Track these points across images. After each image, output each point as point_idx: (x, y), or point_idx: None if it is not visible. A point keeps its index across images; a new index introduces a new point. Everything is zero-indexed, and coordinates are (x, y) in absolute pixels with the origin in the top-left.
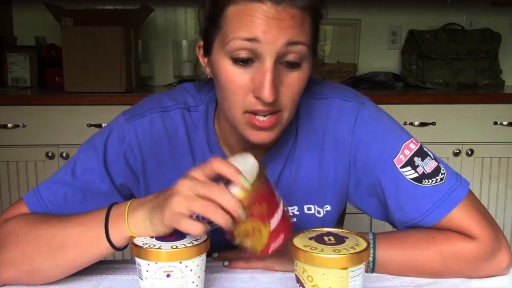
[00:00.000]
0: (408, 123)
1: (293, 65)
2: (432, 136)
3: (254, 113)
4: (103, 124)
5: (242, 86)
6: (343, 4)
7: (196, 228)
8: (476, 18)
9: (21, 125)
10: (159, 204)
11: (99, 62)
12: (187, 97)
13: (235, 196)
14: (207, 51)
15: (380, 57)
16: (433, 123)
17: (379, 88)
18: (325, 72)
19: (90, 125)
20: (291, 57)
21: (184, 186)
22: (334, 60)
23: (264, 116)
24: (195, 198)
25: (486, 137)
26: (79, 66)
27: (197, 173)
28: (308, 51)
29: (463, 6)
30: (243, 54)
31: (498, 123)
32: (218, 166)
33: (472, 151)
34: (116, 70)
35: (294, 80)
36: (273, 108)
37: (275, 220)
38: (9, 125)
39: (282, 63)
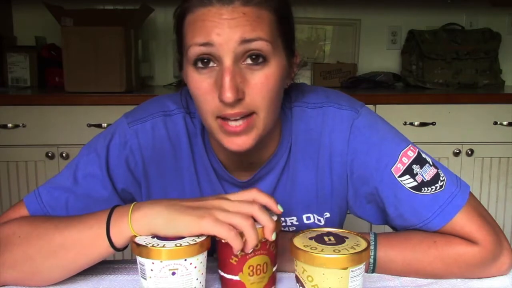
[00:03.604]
0: (408, 123)
1: (256, 63)
2: (432, 136)
3: (226, 118)
4: (103, 124)
5: (208, 91)
6: (343, 4)
7: (239, 244)
8: (476, 18)
9: (21, 125)
10: (187, 208)
11: (99, 62)
12: (190, 101)
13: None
14: (181, 66)
15: (380, 57)
16: (433, 123)
17: (379, 88)
18: (325, 72)
19: (90, 125)
20: (251, 55)
21: (225, 203)
22: (334, 60)
23: (236, 120)
24: (238, 216)
25: (486, 137)
26: (79, 66)
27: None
28: (271, 48)
29: (463, 6)
30: (203, 61)
31: (498, 123)
32: (259, 196)
33: (472, 151)
34: (116, 70)
35: (260, 79)
36: (242, 110)
37: (274, 268)
38: (9, 125)
39: (244, 63)
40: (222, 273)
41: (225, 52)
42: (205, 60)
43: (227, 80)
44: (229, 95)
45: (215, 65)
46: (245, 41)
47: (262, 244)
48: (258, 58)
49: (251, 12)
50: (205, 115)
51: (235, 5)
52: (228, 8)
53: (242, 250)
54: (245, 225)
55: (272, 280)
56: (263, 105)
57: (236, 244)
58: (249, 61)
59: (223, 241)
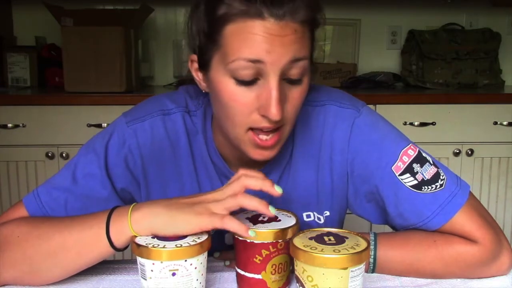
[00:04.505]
0: (408, 123)
1: (296, 81)
2: (432, 136)
3: (258, 129)
4: (103, 124)
5: (247, 105)
6: (343, 4)
7: (240, 226)
8: (476, 18)
9: (21, 125)
10: (184, 206)
11: (99, 62)
12: (188, 100)
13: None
14: (204, 67)
15: (380, 57)
16: (433, 123)
17: (379, 88)
18: (325, 72)
19: (90, 125)
20: (294, 73)
21: (217, 194)
22: (334, 60)
23: (267, 134)
24: (228, 198)
25: (486, 137)
26: (79, 66)
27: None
28: (309, 65)
29: (463, 6)
30: (248, 76)
31: (498, 123)
32: (248, 181)
33: (472, 151)
34: (116, 70)
35: (297, 95)
36: (278, 124)
37: (291, 267)
38: (9, 125)
39: (285, 79)
40: (242, 272)
41: (274, 70)
42: (250, 80)
43: (274, 98)
44: (275, 113)
45: (258, 79)
46: (294, 60)
47: (286, 243)
48: (299, 76)
49: (299, 29)
50: (236, 126)
51: (287, 20)
52: (280, 23)
53: (266, 249)
54: (238, 201)
55: (289, 279)
56: (292, 119)
57: (238, 229)
58: (290, 77)
59: (248, 240)
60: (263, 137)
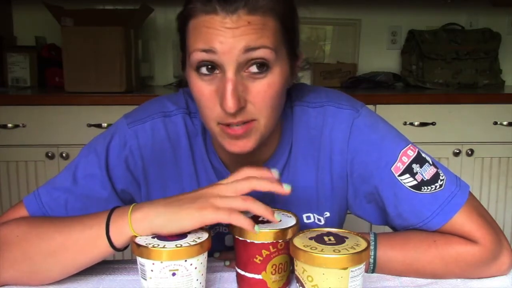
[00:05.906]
0: (408, 123)
1: (259, 72)
2: (432, 136)
3: (225, 125)
4: (103, 124)
5: (209, 98)
6: (343, 4)
7: (245, 221)
8: (476, 18)
9: (21, 125)
10: (185, 202)
11: (99, 62)
12: (189, 102)
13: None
14: (183, 66)
15: (380, 57)
16: (433, 123)
17: (379, 88)
18: (325, 72)
19: (90, 125)
20: (254, 64)
21: (221, 188)
22: (334, 60)
23: (237, 125)
24: (236, 199)
25: (486, 137)
26: (79, 66)
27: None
28: (274, 55)
29: (463, 6)
30: (204, 67)
31: (498, 123)
32: (252, 172)
33: (472, 151)
34: (116, 70)
35: (263, 87)
36: (243, 118)
37: (291, 267)
38: (9, 125)
39: (247, 72)
40: (243, 273)
41: (228, 61)
42: (209, 66)
43: (229, 90)
44: (230, 105)
45: (217, 71)
46: (249, 49)
47: (286, 243)
48: (261, 67)
49: (256, 20)
50: (207, 120)
51: (240, 14)
52: (233, 17)
53: (267, 249)
54: (248, 204)
55: (289, 279)
56: (265, 113)
57: (244, 223)
58: (251, 69)
59: (248, 240)
60: (234, 127)
